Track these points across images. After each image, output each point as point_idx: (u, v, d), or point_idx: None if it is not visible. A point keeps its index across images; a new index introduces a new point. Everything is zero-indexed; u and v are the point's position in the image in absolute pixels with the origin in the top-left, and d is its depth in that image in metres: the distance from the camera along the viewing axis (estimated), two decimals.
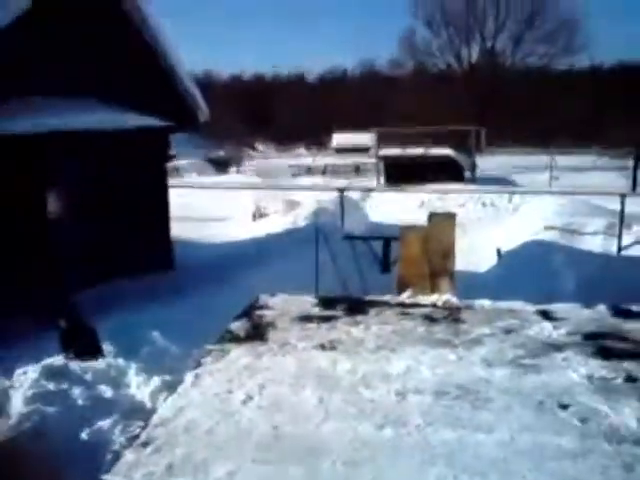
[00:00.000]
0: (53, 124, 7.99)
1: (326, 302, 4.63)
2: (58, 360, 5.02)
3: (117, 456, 2.77)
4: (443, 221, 4.95)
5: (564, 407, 2.94)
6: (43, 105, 8.21)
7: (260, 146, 54.41)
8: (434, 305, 4.49)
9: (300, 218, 13.39)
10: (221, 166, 33.81)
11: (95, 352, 5.59)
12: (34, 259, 8.26)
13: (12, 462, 3.45)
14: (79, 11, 8.92)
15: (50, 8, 8.08)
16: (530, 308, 4.46)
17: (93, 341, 5.81)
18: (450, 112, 35.62)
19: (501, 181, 25.80)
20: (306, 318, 4.26)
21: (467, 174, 26.82)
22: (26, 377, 4.45)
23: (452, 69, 49.86)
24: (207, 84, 41.83)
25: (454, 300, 4.55)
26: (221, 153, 39.25)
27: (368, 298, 4.86)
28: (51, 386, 4.31)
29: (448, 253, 4.80)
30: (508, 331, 3.99)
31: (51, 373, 4.54)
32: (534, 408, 2.94)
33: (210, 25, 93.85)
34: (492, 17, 47.55)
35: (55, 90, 8.53)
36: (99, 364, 5.11)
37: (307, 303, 4.63)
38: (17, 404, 4.07)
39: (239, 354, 3.67)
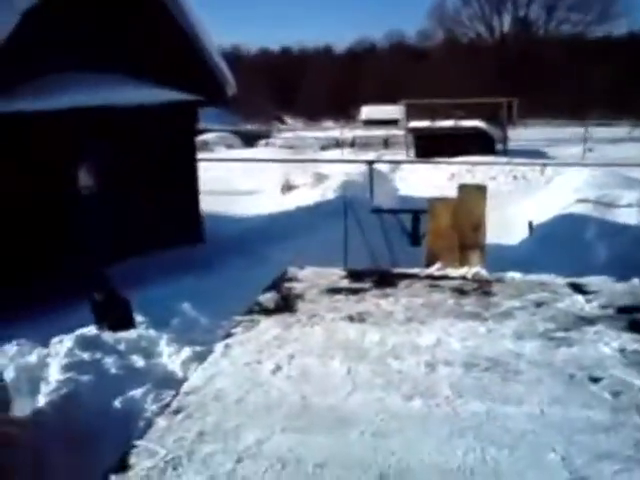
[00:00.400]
0: (84, 100, 8.06)
1: (355, 274, 4.62)
2: (91, 330, 5.14)
3: (149, 423, 2.81)
4: (473, 193, 4.88)
5: (595, 380, 2.90)
6: (74, 81, 8.28)
7: (288, 119, 54.22)
8: (464, 278, 4.45)
9: (329, 191, 13.36)
10: (250, 140, 33.81)
11: (128, 324, 5.70)
12: (66, 232, 8.40)
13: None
14: None
15: None
16: (562, 281, 4.40)
17: (126, 313, 5.91)
18: (481, 83, 35.01)
19: (533, 153, 25.35)
20: (335, 290, 4.27)
21: (498, 146, 26.39)
22: (62, 346, 4.56)
23: (483, 39, 48.84)
24: (235, 58, 41.70)
25: (484, 273, 4.51)
26: (249, 127, 39.25)
27: (397, 271, 4.84)
28: (85, 355, 4.42)
29: (478, 226, 4.75)
30: (539, 304, 3.94)
31: (85, 343, 4.65)
32: (565, 381, 2.91)
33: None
34: None
35: (85, 66, 8.58)
36: (131, 335, 5.21)
37: (336, 275, 4.63)
38: (54, 372, 4.17)
39: (268, 325, 3.69)
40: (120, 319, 5.68)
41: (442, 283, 4.38)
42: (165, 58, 9.89)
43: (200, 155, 13.02)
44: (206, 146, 26.84)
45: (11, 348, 4.75)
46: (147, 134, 9.69)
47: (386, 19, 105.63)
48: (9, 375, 4.14)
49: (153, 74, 9.56)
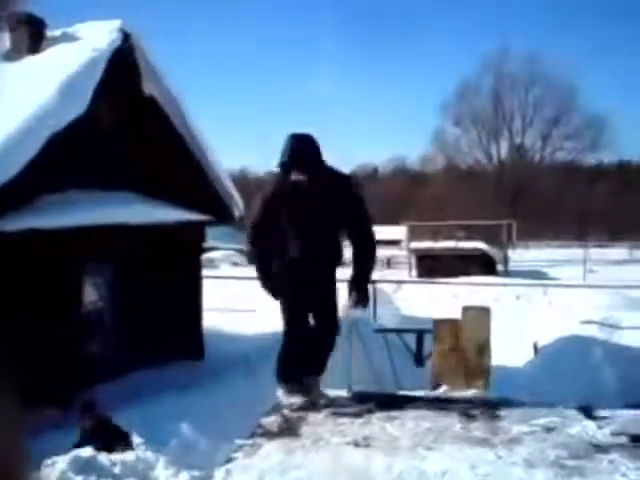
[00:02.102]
0: (94, 217, 8.29)
1: (360, 397, 4.54)
2: (86, 451, 4.97)
3: None
4: (477, 315, 4.89)
5: None
6: (82, 199, 8.56)
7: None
8: (470, 401, 4.37)
9: None
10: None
11: (124, 446, 5.53)
12: (65, 350, 8.33)
13: None
14: (115, 109, 9.43)
15: (92, 113, 8.56)
16: (571, 406, 4.31)
17: (119, 437, 5.75)
18: (481, 207, 35.96)
19: (535, 274, 25.53)
20: (339, 413, 4.18)
21: (499, 267, 26.64)
22: (54, 468, 4.40)
23: (481, 165, 50.68)
24: (242, 180, 43.08)
25: (491, 396, 4.43)
26: None
27: (402, 393, 4.75)
28: (79, 478, 4.25)
29: (483, 348, 4.72)
30: (549, 429, 3.84)
31: (79, 465, 4.49)
32: None
33: (246, 124, 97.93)
34: (520, 116, 48.71)
35: (97, 185, 8.91)
36: (128, 457, 5.03)
37: (341, 397, 4.55)
38: None
39: (271, 450, 3.59)
40: (113, 443, 5.52)
41: (448, 406, 4.29)
42: (175, 179, 10.27)
43: (205, 272, 13.16)
44: (212, 263, 27.14)
45: None
46: (155, 251, 9.86)
47: (389, 146, 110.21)
48: None
49: (163, 194, 9.89)
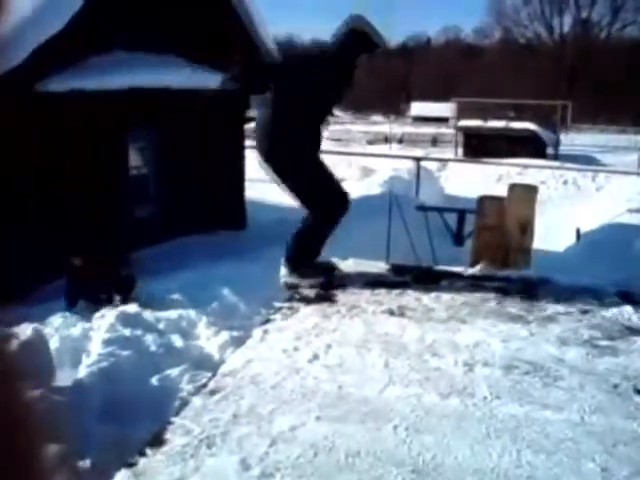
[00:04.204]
0: (139, 81, 8.19)
1: (397, 269, 4.58)
2: (132, 307, 5.24)
3: (185, 402, 2.84)
4: (524, 193, 4.78)
5: None
6: (128, 61, 8.42)
7: (337, 111, 53.99)
8: (508, 279, 4.37)
9: (374, 186, 13.31)
10: None
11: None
12: (111, 213, 8.56)
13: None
14: None
15: None
16: (609, 289, 4.28)
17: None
18: (537, 85, 34.28)
19: (586, 159, 24.73)
20: (376, 283, 4.24)
21: (550, 150, 25.84)
22: (104, 321, 4.66)
23: (541, 39, 47.71)
24: (289, 47, 41.72)
25: (529, 275, 4.42)
26: None
27: (440, 268, 4.78)
28: (126, 331, 4.51)
29: (526, 227, 4.64)
30: (585, 311, 3.84)
31: (126, 319, 4.75)
32: (608, 390, 2.83)
33: None
34: None
35: (141, 46, 8.71)
36: (171, 314, 5.29)
37: (378, 268, 4.60)
38: (96, 345, 4.27)
39: (307, 313, 3.69)
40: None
41: (485, 283, 4.31)
42: (220, 45, 9.97)
43: (249, 143, 13.09)
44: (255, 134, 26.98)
45: (57, 319, 4.87)
46: (197, 118, 9.80)
47: (442, 15, 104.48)
48: (54, 345, 4.25)
49: (207, 59, 9.66)
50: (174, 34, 9.36)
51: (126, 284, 6.33)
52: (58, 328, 4.69)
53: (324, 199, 4.15)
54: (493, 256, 4.59)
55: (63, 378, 3.88)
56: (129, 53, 8.57)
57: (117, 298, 6.05)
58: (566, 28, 46.47)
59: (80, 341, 4.44)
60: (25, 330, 4.07)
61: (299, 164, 4.10)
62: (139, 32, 8.73)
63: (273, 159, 4.09)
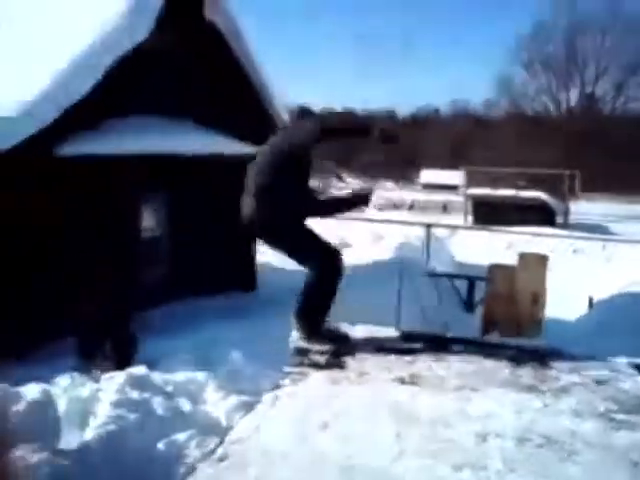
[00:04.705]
0: (153, 145, 8.38)
1: (408, 336, 4.55)
2: (141, 370, 5.20)
3: (191, 469, 2.79)
4: (534, 262, 4.79)
5: None
6: (143, 125, 8.63)
7: (348, 178, 54.81)
8: (520, 348, 4.32)
9: (384, 251, 13.34)
10: None
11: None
12: (122, 275, 8.59)
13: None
14: (178, 35, 9.36)
15: (155, 39, 8.52)
16: (624, 361, 4.22)
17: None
18: (544, 155, 34.74)
19: (595, 229, 24.79)
20: (386, 350, 4.21)
21: (559, 219, 25.94)
22: (112, 382, 4.62)
23: (549, 112, 48.70)
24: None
25: (542, 345, 4.37)
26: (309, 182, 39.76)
27: (451, 335, 4.74)
28: (135, 394, 4.46)
29: (538, 296, 4.63)
30: (599, 382, 3.78)
31: (135, 381, 4.71)
32: (628, 468, 2.75)
33: (303, 59, 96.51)
34: (593, 63, 46.31)
35: (154, 110, 8.95)
36: (180, 377, 5.25)
37: (388, 335, 4.57)
38: (104, 408, 4.22)
39: (317, 380, 3.66)
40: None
41: (497, 352, 4.26)
42: (235, 110, 10.24)
43: None
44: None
45: (64, 379, 4.84)
46: (212, 181, 9.97)
47: (451, 89, 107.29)
48: (61, 406, 4.21)
49: (222, 124, 9.91)
50: (189, 100, 9.65)
51: (128, 344, 6.33)
52: (66, 389, 4.65)
53: (317, 257, 4.23)
54: (504, 325, 4.56)
55: (69, 440, 3.83)
56: (144, 118, 8.81)
57: (119, 358, 6.04)
58: (572, 102, 47.55)
59: (88, 402, 4.40)
60: (32, 390, 4.05)
61: (288, 227, 4.22)
62: (156, 98, 9.00)
63: (264, 225, 4.21)
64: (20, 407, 3.87)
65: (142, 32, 8.25)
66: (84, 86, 7.46)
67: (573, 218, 26.68)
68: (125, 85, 8.34)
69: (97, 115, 8.06)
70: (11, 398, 3.95)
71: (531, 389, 3.61)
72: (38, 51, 7.80)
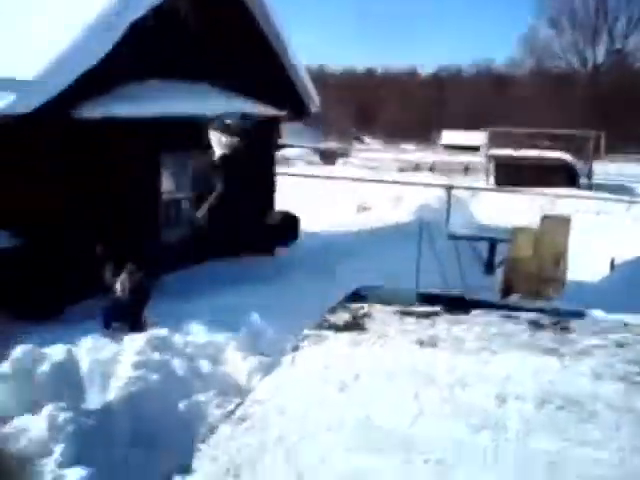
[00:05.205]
0: (170, 108, 8.33)
1: (427, 298, 4.53)
2: (162, 331, 5.26)
3: (212, 429, 2.83)
4: (557, 224, 4.72)
5: None
6: (160, 89, 8.58)
7: (368, 139, 54.31)
8: (541, 310, 4.29)
9: (404, 213, 13.27)
10: (329, 158, 34.11)
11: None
12: (144, 237, 8.66)
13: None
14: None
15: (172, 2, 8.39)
16: None
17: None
18: (570, 115, 34.02)
19: (620, 189, 24.38)
20: (406, 312, 4.19)
21: (583, 180, 25.54)
22: (134, 344, 4.69)
23: (575, 70, 47.45)
24: (320, 77, 42.22)
25: (563, 307, 4.33)
26: (329, 145, 39.58)
27: (471, 297, 4.71)
28: (155, 355, 4.52)
29: (560, 258, 4.58)
30: (620, 345, 3.74)
31: (156, 343, 4.76)
32: None
33: (325, 19, 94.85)
34: (624, 17, 44.84)
35: (171, 74, 8.88)
36: (199, 338, 5.30)
37: (408, 297, 4.55)
38: (126, 368, 4.29)
39: (336, 342, 3.66)
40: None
41: (517, 314, 4.23)
42: (252, 72, 10.12)
43: (280, 170, 13.21)
44: (286, 161, 27.26)
45: (87, 342, 4.92)
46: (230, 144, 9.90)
47: (474, 46, 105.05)
48: (84, 368, 4.28)
49: (240, 87, 9.81)
50: (208, 63, 9.54)
51: (141, 306, 6.41)
52: (88, 351, 4.73)
53: None
54: (525, 286, 4.52)
55: (92, 400, 3.90)
56: (163, 81, 8.74)
57: (133, 320, 6.12)
58: (600, 59, 46.21)
59: (110, 364, 4.47)
60: (57, 351, 4.12)
61: None
62: (173, 62, 8.92)
63: None
64: (45, 367, 3.94)
65: None
66: (101, 49, 7.40)
67: (597, 179, 26.26)
68: (143, 49, 8.26)
69: (115, 79, 8.01)
70: (37, 358, 4.02)
71: (551, 351, 3.58)
72: (55, 15, 7.74)
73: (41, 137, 7.27)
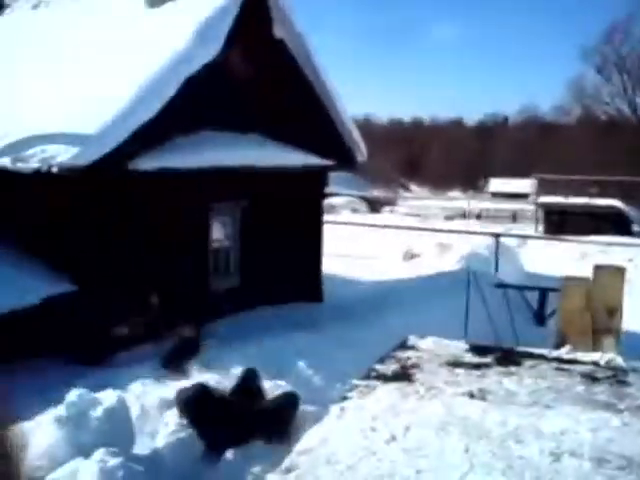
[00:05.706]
0: (222, 159, 8.55)
1: (477, 349, 4.47)
2: (213, 377, 5.30)
3: (260, 479, 2.83)
4: (610, 275, 4.62)
5: None
6: (213, 140, 8.83)
7: (414, 187, 54.42)
8: (596, 364, 4.17)
9: (452, 262, 13.14)
10: (375, 205, 34.26)
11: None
12: (194, 284, 8.79)
13: None
14: (246, 52, 9.53)
15: (224, 57, 8.71)
16: None
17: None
18: (619, 162, 33.41)
19: None
20: (455, 363, 4.14)
21: (636, 228, 24.90)
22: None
23: (623, 116, 46.81)
24: (366, 127, 42.81)
25: (619, 360, 4.20)
26: (375, 193, 39.80)
27: (522, 349, 4.62)
28: None
29: (614, 309, 4.46)
30: None
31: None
32: None
33: (372, 70, 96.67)
34: None
35: (223, 126, 9.14)
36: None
37: (457, 348, 4.50)
38: (174, 414, 4.31)
39: (385, 393, 3.64)
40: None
41: (571, 367, 4.13)
42: (301, 123, 10.33)
43: (326, 218, 13.32)
44: (333, 209, 27.48)
45: (136, 386, 4.98)
46: (279, 194, 10.08)
47: (520, 94, 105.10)
48: (134, 413, 4.33)
49: (289, 137, 10.01)
50: (258, 114, 9.80)
51: (190, 350, 6.53)
52: (139, 396, 4.79)
53: None
54: (579, 339, 4.42)
55: (142, 445, 3.94)
56: (215, 132, 9.00)
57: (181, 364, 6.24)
58: None
59: (158, 410, 4.51)
60: (109, 396, 4.19)
61: None
62: (225, 113, 9.19)
63: None
64: (99, 412, 4.01)
65: (212, 51, 8.44)
66: (157, 104, 7.69)
67: None
68: (195, 101, 8.56)
69: (169, 130, 8.29)
70: (90, 403, 4.10)
71: (608, 407, 3.47)
72: (115, 70, 8.12)
73: (98, 188, 7.55)
